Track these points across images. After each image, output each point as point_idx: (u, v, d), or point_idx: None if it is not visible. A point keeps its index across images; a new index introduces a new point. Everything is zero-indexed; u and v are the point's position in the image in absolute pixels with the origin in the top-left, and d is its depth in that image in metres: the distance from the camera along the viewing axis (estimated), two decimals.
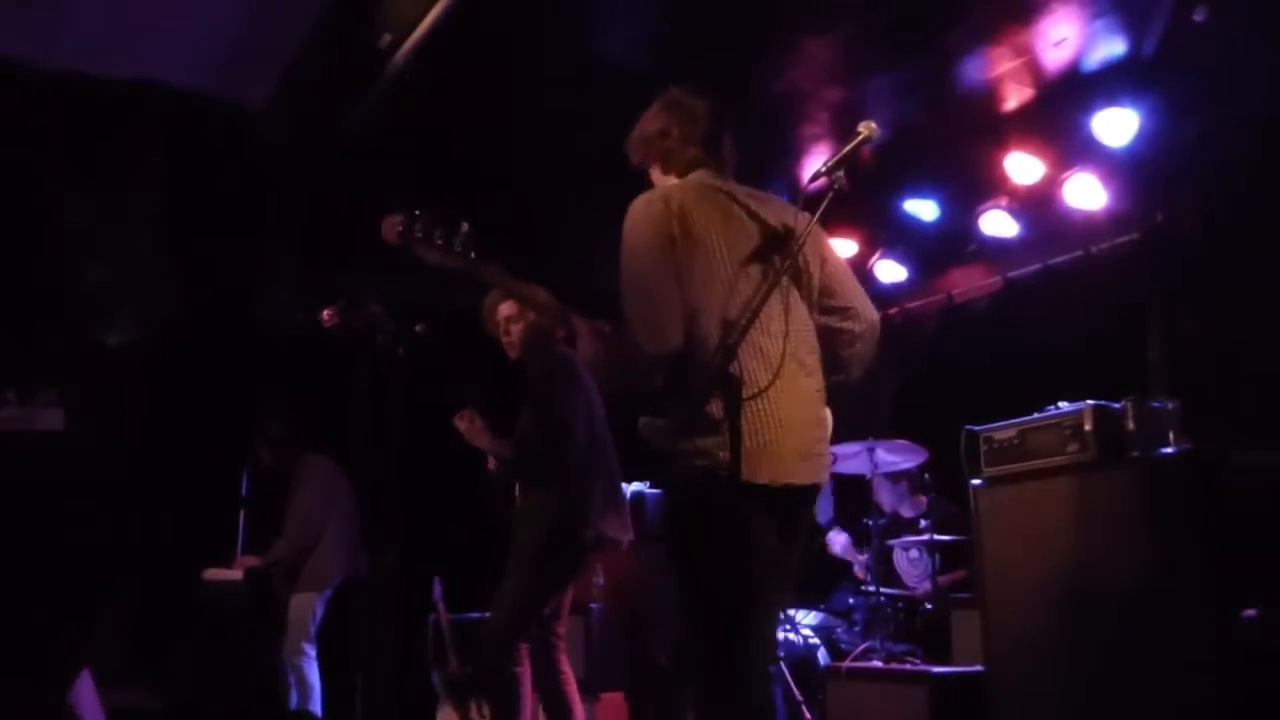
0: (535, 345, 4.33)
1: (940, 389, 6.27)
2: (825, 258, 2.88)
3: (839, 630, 5.63)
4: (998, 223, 6.03)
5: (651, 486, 6.00)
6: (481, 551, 4.65)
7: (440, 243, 2.64)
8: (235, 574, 6.10)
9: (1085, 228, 5.73)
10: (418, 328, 4.09)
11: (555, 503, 4.17)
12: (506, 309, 4.37)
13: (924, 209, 6.38)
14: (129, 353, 5.99)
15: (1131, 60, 5.04)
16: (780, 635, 5.33)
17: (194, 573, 6.08)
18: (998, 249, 6.21)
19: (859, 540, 5.92)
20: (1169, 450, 3.77)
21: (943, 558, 5.42)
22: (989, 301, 6.38)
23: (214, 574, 6.11)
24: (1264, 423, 4.56)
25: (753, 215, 2.78)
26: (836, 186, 2.59)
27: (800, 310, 2.76)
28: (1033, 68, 5.18)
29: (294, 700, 5.90)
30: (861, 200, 5.54)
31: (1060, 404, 4.08)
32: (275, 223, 6.25)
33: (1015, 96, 5.44)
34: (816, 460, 2.71)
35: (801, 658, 5.32)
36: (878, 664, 4.82)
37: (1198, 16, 4.59)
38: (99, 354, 5.90)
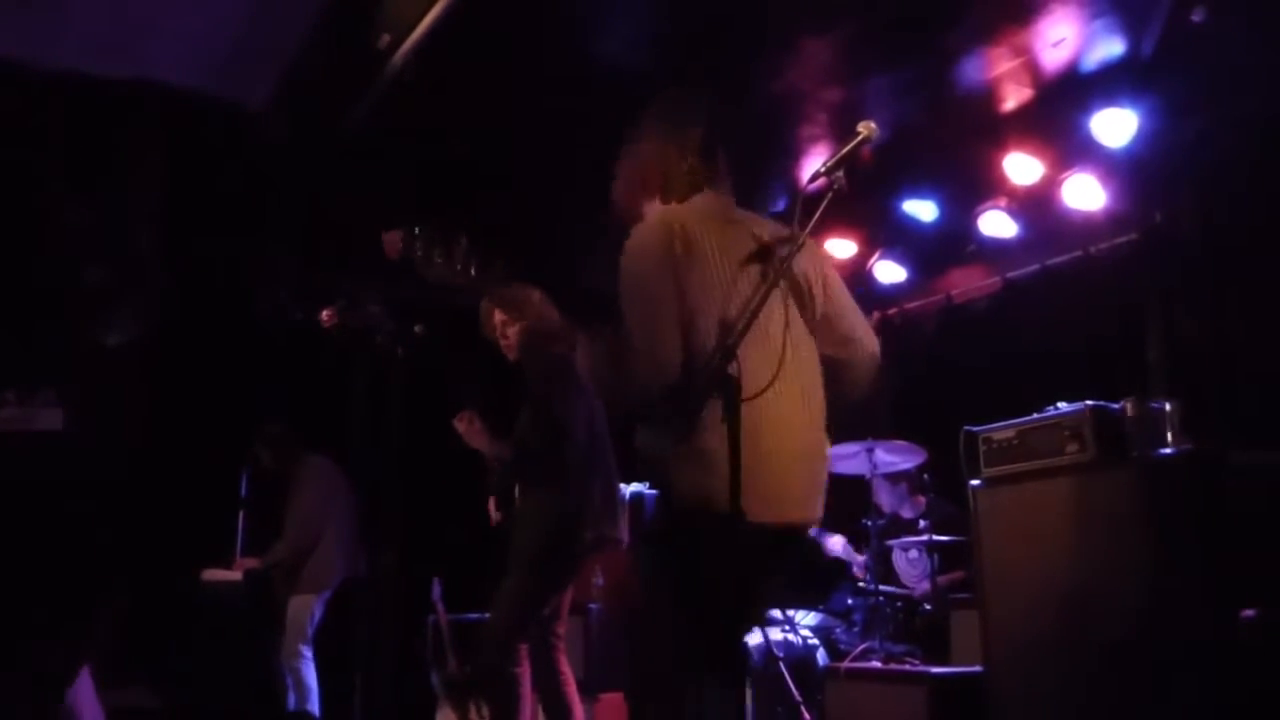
0: (533, 347, 4.34)
1: (939, 389, 6.26)
2: (829, 286, 2.86)
3: (838, 631, 5.63)
4: (997, 223, 6.04)
5: (651, 488, 6.00)
6: (480, 552, 4.65)
7: (440, 260, 2.62)
8: (235, 575, 6.11)
9: (1084, 228, 5.73)
10: (417, 328, 4.09)
11: (554, 504, 4.17)
12: (500, 314, 4.38)
13: (923, 209, 6.39)
14: (129, 353, 5.99)
15: (1130, 60, 5.04)
16: (779, 635, 5.33)
17: (193, 573, 6.09)
18: (997, 249, 6.21)
19: (857, 540, 5.92)
20: (1168, 450, 3.77)
21: (942, 558, 5.42)
22: (988, 302, 6.38)
23: (213, 574, 6.11)
24: (1263, 423, 4.56)
25: (751, 232, 2.77)
26: (835, 187, 2.58)
27: (802, 334, 2.75)
28: (1031, 68, 5.18)
29: (291, 702, 5.90)
30: (860, 201, 5.54)
31: (1059, 404, 4.08)
32: (275, 223, 6.25)
33: (1014, 97, 5.44)
34: (816, 496, 2.70)
35: (800, 658, 5.32)
36: (877, 664, 4.82)
37: (1196, 17, 4.59)
38: (98, 354, 5.90)
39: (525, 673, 4.21)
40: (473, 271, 2.68)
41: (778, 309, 2.66)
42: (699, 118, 2.96)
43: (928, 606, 5.36)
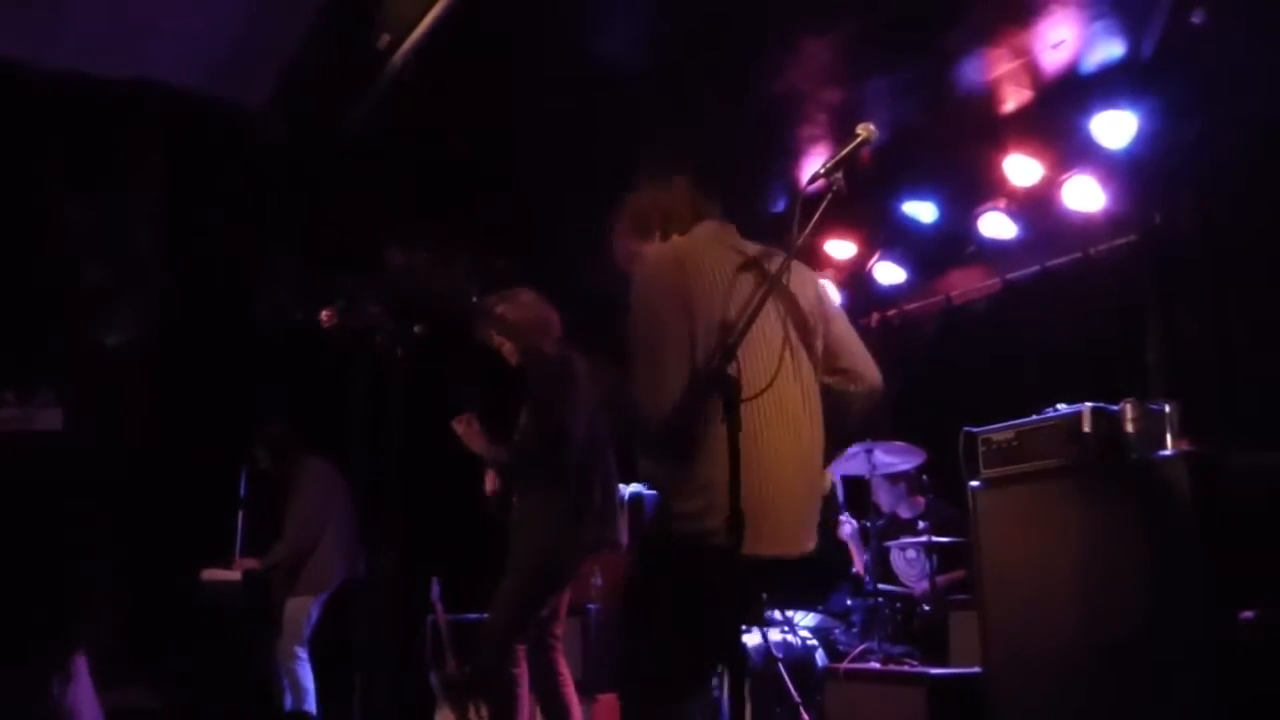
0: (533, 349, 4.34)
1: (939, 390, 6.26)
2: (832, 321, 2.87)
3: (837, 631, 5.63)
4: (996, 224, 6.04)
5: (650, 488, 6.00)
6: (480, 552, 4.65)
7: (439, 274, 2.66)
8: (233, 575, 6.11)
9: (1084, 229, 5.73)
10: (416, 329, 4.10)
11: (553, 505, 4.17)
12: (496, 319, 4.39)
13: (923, 210, 6.39)
14: (128, 353, 6.00)
15: (1130, 62, 5.04)
16: (778, 636, 5.34)
17: (192, 573, 6.08)
18: (996, 250, 6.21)
19: (862, 536, 5.92)
20: (1167, 452, 3.77)
21: (940, 559, 5.42)
22: (987, 303, 6.38)
23: (212, 574, 6.11)
24: (1262, 424, 4.57)
25: (749, 256, 2.78)
26: (835, 188, 2.59)
27: (802, 354, 2.76)
28: (1031, 69, 5.18)
29: (288, 702, 5.90)
30: (860, 202, 5.55)
31: (1059, 406, 4.08)
32: (275, 223, 6.25)
33: (1014, 98, 5.45)
34: (809, 528, 2.71)
35: (799, 659, 5.31)
36: (875, 665, 4.82)
37: (1196, 18, 4.60)
38: (98, 354, 5.90)
39: (523, 673, 4.21)
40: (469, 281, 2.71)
41: (776, 323, 2.67)
42: (688, 154, 3.00)
43: (926, 607, 5.36)
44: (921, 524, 5.41)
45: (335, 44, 5.06)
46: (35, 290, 5.67)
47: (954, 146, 5.86)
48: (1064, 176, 5.61)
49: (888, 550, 5.81)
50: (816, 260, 6.69)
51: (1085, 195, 5.59)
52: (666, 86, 5.17)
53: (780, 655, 5.04)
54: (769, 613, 5.29)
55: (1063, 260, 5.90)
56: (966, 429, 4.37)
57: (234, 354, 6.54)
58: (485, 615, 4.27)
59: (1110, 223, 5.62)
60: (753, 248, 2.84)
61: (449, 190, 6.06)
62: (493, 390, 4.58)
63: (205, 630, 5.98)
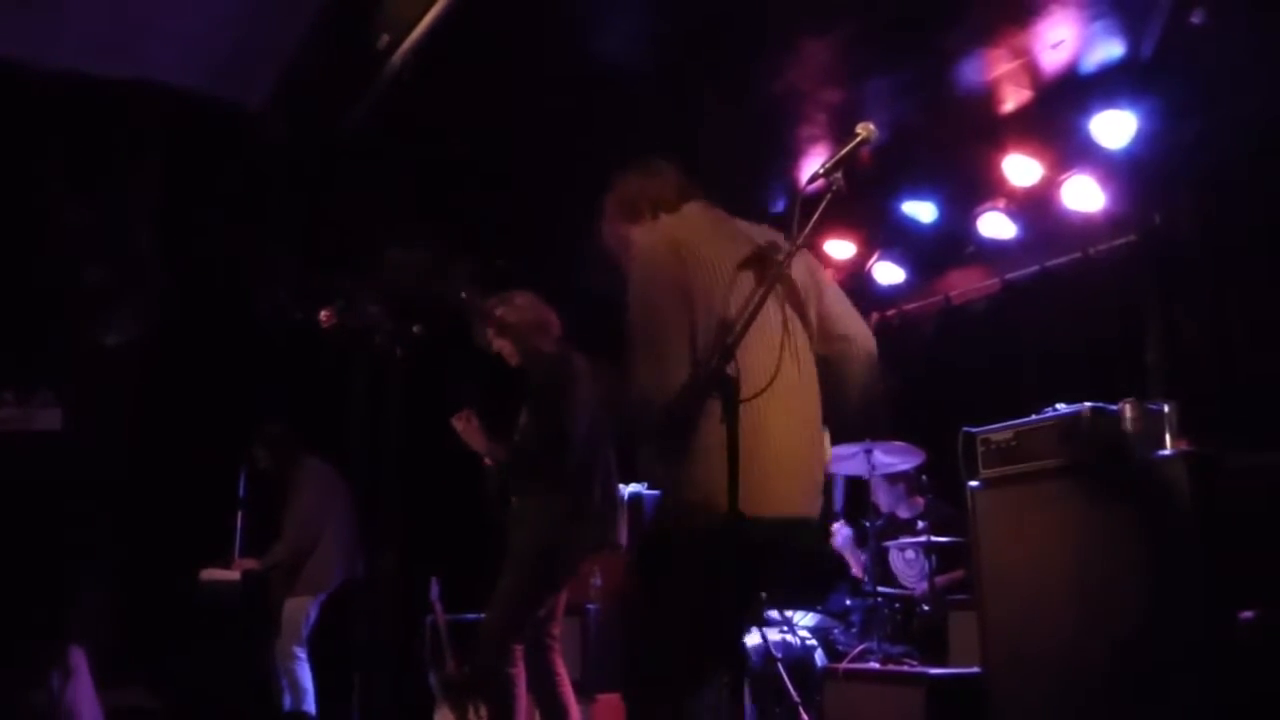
0: (533, 349, 4.34)
1: (938, 391, 6.26)
2: (823, 289, 2.89)
3: (836, 631, 5.63)
4: (996, 224, 6.03)
5: (649, 488, 6.00)
6: (479, 552, 4.65)
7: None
8: (233, 575, 6.11)
9: (1083, 229, 5.72)
10: (415, 329, 4.10)
11: (552, 505, 4.17)
12: (492, 325, 4.39)
13: (922, 210, 6.39)
14: (128, 353, 6.00)
15: (1129, 62, 5.04)
16: (777, 636, 5.33)
17: (192, 573, 6.08)
18: (996, 251, 6.21)
19: (859, 539, 5.92)
20: (1166, 452, 3.77)
21: (939, 559, 5.42)
22: (987, 303, 6.38)
23: (211, 575, 6.11)
24: (1262, 424, 4.56)
25: (754, 244, 2.79)
26: (834, 188, 2.59)
27: (801, 339, 2.77)
28: (1031, 69, 5.18)
29: (287, 703, 5.90)
30: (859, 202, 5.54)
31: (1058, 406, 4.08)
32: (274, 223, 6.25)
33: (1013, 98, 5.45)
34: (814, 494, 2.72)
35: (798, 659, 5.31)
36: (875, 665, 4.82)
37: (1195, 18, 4.60)
38: (98, 354, 5.90)
39: (520, 673, 4.21)
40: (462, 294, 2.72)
41: (775, 313, 2.67)
42: (685, 151, 3.03)
43: (925, 607, 5.36)
44: (920, 524, 5.41)
45: (335, 44, 5.06)
46: (35, 290, 5.68)
47: (953, 146, 5.86)
48: (1063, 177, 5.60)
49: (886, 551, 5.81)
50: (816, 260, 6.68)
51: (1085, 195, 5.59)
52: (666, 86, 5.17)
53: (779, 655, 5.04)
54: (768, 612, 5.28)
55: (1062, 260, 5.90)
56: (965, 429, 4.36)
57: (233, 354, 6.54)
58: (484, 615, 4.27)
59: (1110, 223, 5.62)
60: (747, 228, 2.86)
61: (449, 190, 6.06)
62: (492, 390, 4.59)
63: (204, 630, 5.99)
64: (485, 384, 4.76)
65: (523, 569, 4.15)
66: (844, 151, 2.61)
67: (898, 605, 5.41)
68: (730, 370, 2.47)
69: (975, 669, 4.25)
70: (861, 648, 5.08)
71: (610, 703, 5.28)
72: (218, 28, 5.07)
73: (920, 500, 5.58)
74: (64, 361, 5.70)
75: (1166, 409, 3.85)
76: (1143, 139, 5.23)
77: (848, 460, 5.48)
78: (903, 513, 5.95)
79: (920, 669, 4.65)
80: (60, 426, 5.35)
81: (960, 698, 4.23)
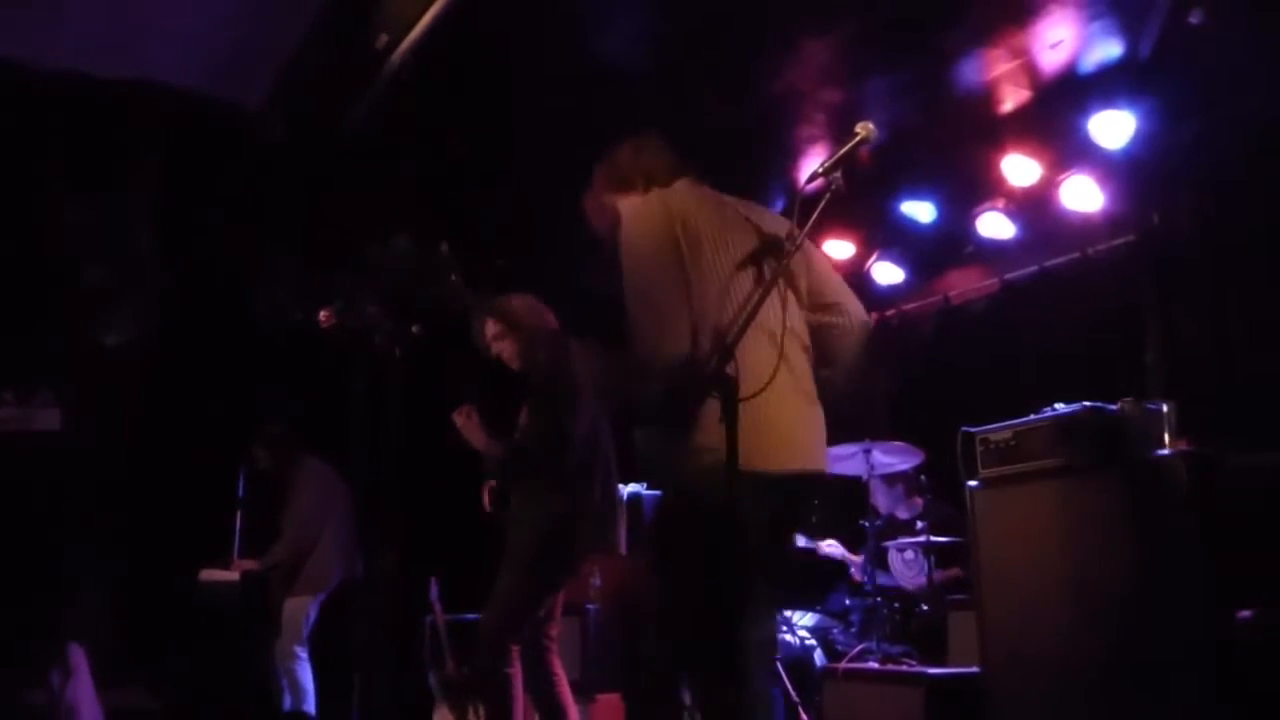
0: (532, 352, 4.34)
1: (937, 391, 6.27)
2: (812, 260, 2.94)
3: (835, 631, 5.63)
4: (995, 224, 6.04)
5: (649, 488, 5.99)
6: (479, 553, 4.65)
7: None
8: (232, 575, 6.10)
9: (1082, 229, 5.73)
10: (414, 329, 4.10)
11: (552, 504, 4.17)
12: (491, 328, 4.39)
13: (921, 210, 6.39)
14: (127, 353, 6.00)
15: (1128, 62, 5.04)
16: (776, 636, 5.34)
17: (191, 574, 6.08)
18: (995, 251, 6.21)
19: (854, 542, 5.92)
20: (1165, 452, 3.77)
21: (938, 559, 5.43)
22: (986, 303, 6.38)
23: (211, 575, 6.11)
24: (1261, 424, 4.56)
25: (747, 219, 2.82)
26: (834, 187, 2.60)
27: (795, 312, 2.79)
28: (1030, 69, 5.18)
29: (287, 703, 5.90)
30: (859, 202, 5.54)
31: (1057, 405, 4.08)
32: (273, 223, 6.25)
33: (1012, 98, 5.45)
34: (819, 447, 2.78)
35: (798, 659, 5.32)
36: (874, 665, 4.82)
37: (1194, 18, 4.60)
38: (98, 354, 5.90)
39: (517, 673, 4.20)
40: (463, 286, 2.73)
41: (773, 301, 2.68)
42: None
43: (925, 607, 5.36)
44: (920, 524, 5.41)
45: (334, 44, 5.06)
46: (35, 290, 5.68)
47: (952, 146, 5.87)
48: (1062, 177, 5.61)
49: (885, 551, 5.81)
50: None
51: (1084, 195, 5.59)
52: (666, 86, 5.17)
53: (779, 655, 5.05)
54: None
55: (1061, 260, 5.90)
56: (964, 429, 4.37)
57: (233, 354, 6.54)
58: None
59: (1109, 223, 5.62)
60: (746, 208, 2.90)
61: (448, 190, 6.06)
62: (492, 390, 4.58)
63: (203, 631, 5.98)
64: (485, 384, 4.76)
65: (522, 568, 4.15)
66: (843, 151, 2.62)
67: (897, 605, 5.41)
68: (730, 370, 2.48)
69: (974, 669, 4.25)
70: (861, 647, 5.08)
71: (610, 703, 5.29)
72: (217, 28, 5.08)
73: (919, 500, 5.58)
74: (64, 361, 5.70)
75: (1165, 409, 3.85)
76: (1141, 139, 5.23)
77: (847, 461, 5.48)
78: (902, 513, 5.95)
79: (919, 669, 4.65)
80: (60, 426, 5.35)
81: (959, 697, 4.23)
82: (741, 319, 2.53)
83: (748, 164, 5.97)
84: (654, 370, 2.60)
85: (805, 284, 2.88)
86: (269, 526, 6.20)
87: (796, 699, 4.92)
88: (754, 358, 2.60)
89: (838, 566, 6.04)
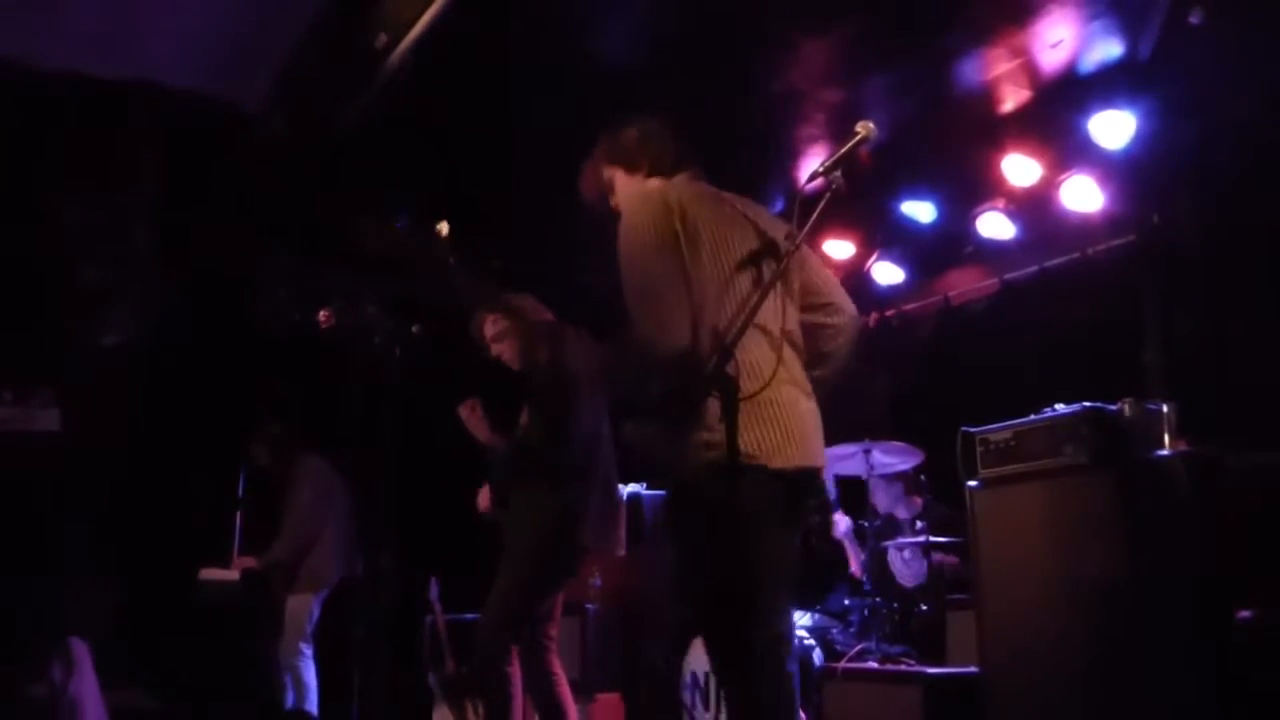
0: (533, 353, 4.34)
1: (937, 391, 6.27)
2: (806, 259, 2.93)
3: (834, 631, 5.63)
4: (995, 224, 6.04)
5: (649, 488, 6.00)
6: (478, 552, 4.65)
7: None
8: (232, 574, 6.10)
9: (1082, 229, 5.73)
10: (414, 328, 4.10)
11: (552, 504, 4.17)
12: (490, 328, 4.39)
13: (921, 210, 6.39)
14: (127, 353, 6.00)
15: (1128, 62, 5.05)
16: None
17: (191, 573, 6.08)
18: (995, 251, 6.22)
19: (858, 535, 5.92)
20: (1165, 452, 3.77)
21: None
22: (986, 303, 6.39)
23: (210, 574, 6.11)
24: (1260, 425, 4.56)
25: (745, 217, 2.82)
26: (834, 187, 2.60)
27: (791, 313, 2.79)
28: (1030, 69, 5.19)
29: (290, 701, 5.90)
30: (859, 201, 5.55)
31: (1056, 406, 4.08)
32: (273, 223, 6.25)
33: (1012, 98, 5.45)
34: (818, 444, 2.78)
35: (797, 658, 5.32)
36: (873, 665, 4.83)
37: (1194, 18, 4.60)
38: (97, 354, 5.90)
39: (516, 673, 4.20)
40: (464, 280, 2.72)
41: (772, 300, 2.68)
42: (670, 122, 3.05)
43: (924, 607, 5.36)
44: (919, 524, 5.41)
45: (333, 44, 5.06)
46: (34, 290, 5.68)
47: (953, 146, 5.87)
48: (1062, 177, 5.61)
49: (885, 551, 5.81)
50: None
51: (1083, 195, 5.59)
52: (666, 86, 5.17)
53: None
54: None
55: (1061, 260, 5.90)
56: (964, 429, 4.37)
57: (233, 353, 6.54)
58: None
59: (1108, 223, 5.62)
60: (744, 205, 2.90)
61: (448, 190, 6.05)
62: (491, 389, 4.58)
63: (203, 630, 5.98)
64: (484, 384, 4.76)
65: (521, 567, 4.15)
66: (843, 150, 2.62)
67: (896, 605, 5.41)
68: (730, 370, 2.48)
69: (973, 668, 4.25)
70: (860, 647, 5.08)
71: (609, 702, 5.29)
72: (216, 28, 5.07)
73: (918, 500, 5.58)
74: (63, 361, 5.70)
75: (1165, 409, 3.85)
76: (1141, 139, 5.23)
77: (846, 460, 5.48)
78: (901, 513, 5.96)
79: (918, 668, 4.65)
80: (60, 426, 5.35)
81: (958, 697, 4.24)
82: (741, 320, 2.53)
83: (747, 164, 5.97)
84: (654, 362, 2.60)
85: (799, 283, 2.88)
86: (269, 525, 6.20)
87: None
88: (753, 357, 2.61)
89: (837, 567, 6.04)
